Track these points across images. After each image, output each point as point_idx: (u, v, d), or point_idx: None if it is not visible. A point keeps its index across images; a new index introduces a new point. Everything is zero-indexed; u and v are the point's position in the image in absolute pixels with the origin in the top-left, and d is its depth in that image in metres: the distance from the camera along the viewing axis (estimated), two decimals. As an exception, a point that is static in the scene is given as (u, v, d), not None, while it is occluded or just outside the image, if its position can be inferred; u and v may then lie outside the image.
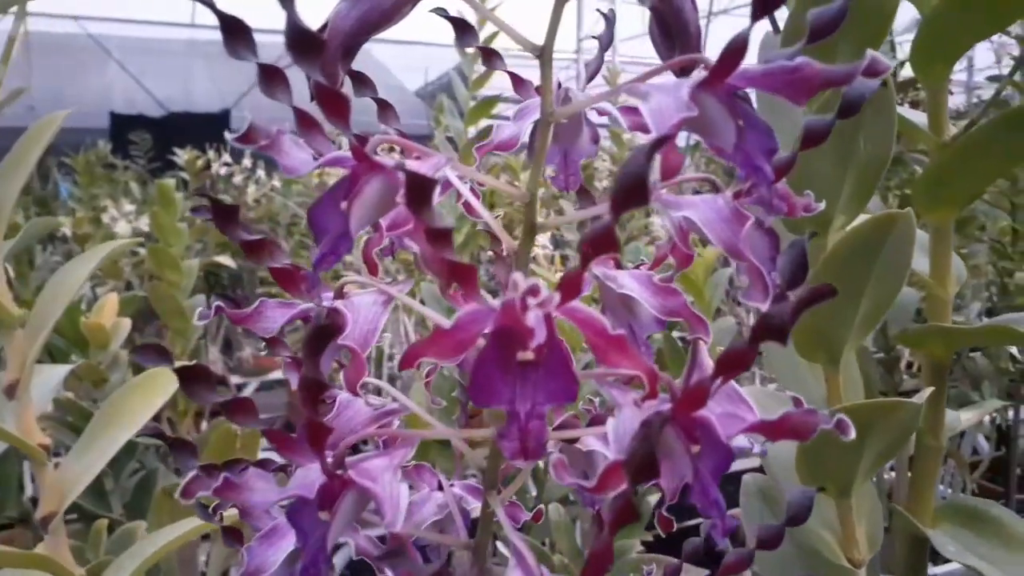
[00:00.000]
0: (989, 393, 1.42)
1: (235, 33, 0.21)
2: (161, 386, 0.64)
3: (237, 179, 2.55)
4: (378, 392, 0.32)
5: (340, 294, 0.27)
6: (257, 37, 0.23)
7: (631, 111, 0.29)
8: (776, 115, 0.57)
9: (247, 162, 2.63)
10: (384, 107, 0.29)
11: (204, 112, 7.57)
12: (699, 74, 0.20)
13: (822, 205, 0.26)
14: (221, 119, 7.37)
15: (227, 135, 0.25)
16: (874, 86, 0.22)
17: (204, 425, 1.43)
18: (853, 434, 0.21)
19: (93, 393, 1.30)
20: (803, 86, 0.19)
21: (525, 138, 0.30)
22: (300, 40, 0.18)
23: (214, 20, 0.23)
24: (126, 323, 1.30)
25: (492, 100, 1.41)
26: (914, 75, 0.61)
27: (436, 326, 0.21)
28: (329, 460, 0.21)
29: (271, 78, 0.22)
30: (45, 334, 0.58)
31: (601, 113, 0.29)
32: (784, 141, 0.43)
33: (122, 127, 5.74)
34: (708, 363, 0.25)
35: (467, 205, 0.27)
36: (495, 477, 0.28)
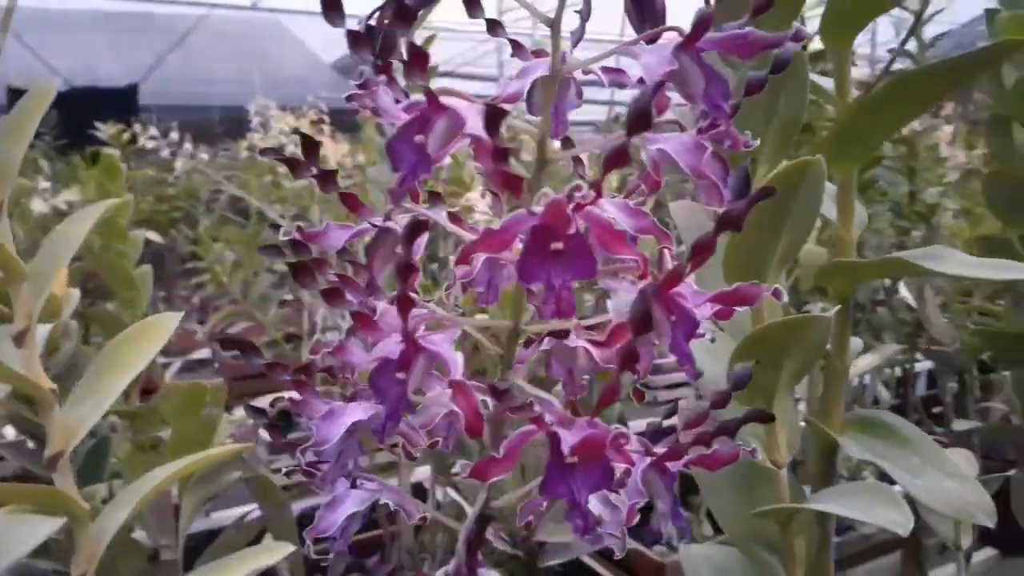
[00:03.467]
0: (890, 342, 1.57)
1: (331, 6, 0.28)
2: (155, 335, 0.68)
3: (164, 153, 2.53)
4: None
5: (388, 218, 0.34)
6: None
7: (609, 71, 0.36)
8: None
9: (175, 135, 2.61)
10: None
11: (111, 87, 7.30)
12: (674, 39, 0.28)
13: (757, 142, 0.34)
14: (129, 93, 7.12)
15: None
16: (795, 49, 0.30)
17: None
18: (787, 297, 0.29)
19: (46, 362, 1.31)
20: (749, 48, 0.27)
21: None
22: (399, 11, 0.26)
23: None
24: (75, 294, 1.31)
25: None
26: (823, 44, 0.71)
27: (486, 228, 0.28)
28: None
29: (358, 40, 0.29)
30: (48, 288, 0.62)
31: (585, 72, 0.37)
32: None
33: (23, 102, 5.47)
34: (671, 263, 0.34)
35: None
36: (511, 359, 0.35)
